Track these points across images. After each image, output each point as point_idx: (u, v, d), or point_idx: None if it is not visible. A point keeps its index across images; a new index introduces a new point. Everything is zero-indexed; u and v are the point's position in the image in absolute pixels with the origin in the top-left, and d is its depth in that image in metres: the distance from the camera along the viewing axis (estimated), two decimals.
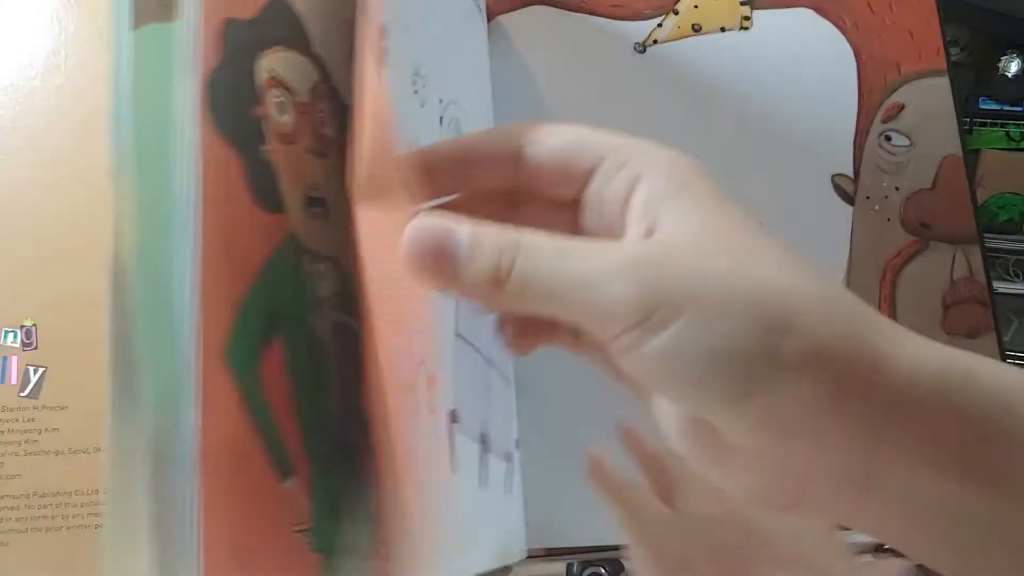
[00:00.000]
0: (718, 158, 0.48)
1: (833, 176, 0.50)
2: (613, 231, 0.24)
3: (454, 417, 0.32)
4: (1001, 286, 0.90)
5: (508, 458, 0.39)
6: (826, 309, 0.20)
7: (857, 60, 0.51)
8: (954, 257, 0.50)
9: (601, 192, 0.24)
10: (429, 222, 0.22)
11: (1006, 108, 1.07)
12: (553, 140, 0.25)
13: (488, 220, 0.22)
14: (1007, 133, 1.07)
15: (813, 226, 0.49)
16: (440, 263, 0.22)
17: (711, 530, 0.33)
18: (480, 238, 0.22)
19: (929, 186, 0.51)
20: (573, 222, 0.25)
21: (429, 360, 0.28)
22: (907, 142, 0.51)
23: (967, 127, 1.21)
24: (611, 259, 0.22)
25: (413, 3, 0.36)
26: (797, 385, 0.20)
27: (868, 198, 0.50)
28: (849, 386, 0.20)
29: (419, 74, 0.36)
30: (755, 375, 0.20)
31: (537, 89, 0.47)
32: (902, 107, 0.51)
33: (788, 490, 0.22)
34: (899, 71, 0.51)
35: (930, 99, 0.52)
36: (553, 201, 0.25)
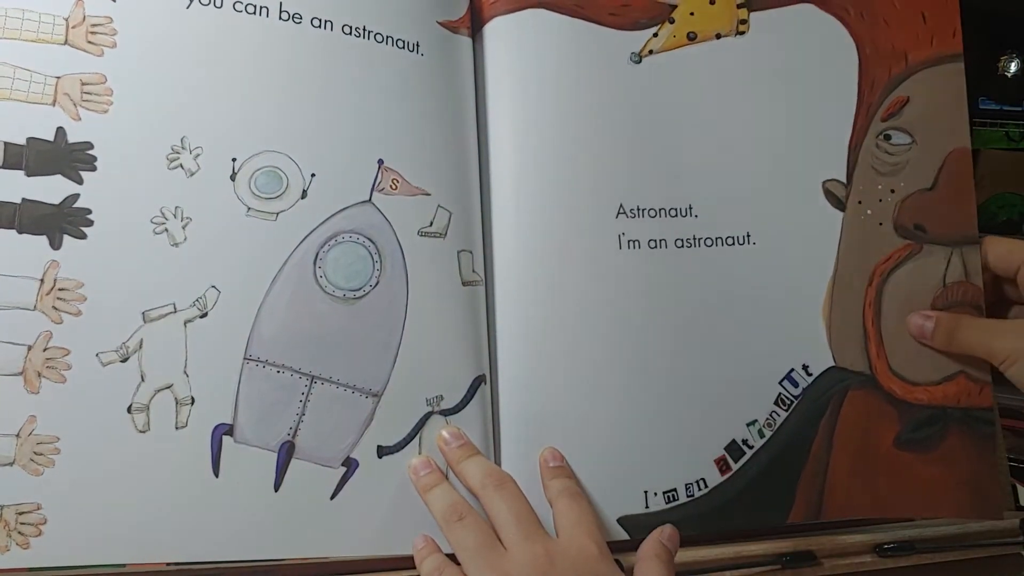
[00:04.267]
0: (711, 168, 0.48)
1: (824, 182, 0.49)
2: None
3: (228, 431, 0.40)
4: None
5: (347, 464, 0.42)
6: None
7: (860, 54, 0.50)
8: (949, 259, 0.49)
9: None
10: (915, 315, 0.48)
11: (1006, 108, 1.07)
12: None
13: None
14: (1007, 133, 1.06)
15: (801, 234, 0.49)
16: (921, 336, 0.47)
17: None
18: (939, 317, 0.47)
19: (928, 186, 0.49)
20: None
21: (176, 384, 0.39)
22: (908, 140, 0.49)
23: None
24: (1008, 326, 0.47)
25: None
26: None
27: (860, 202, 0.49)
28: None
29: (183, 146, 0.40)
30: None
31: (532, 94, 0.47)
32: (906, 101, 0.49)
33: None
34: (906, 62, 0.50)
35: (940, 88, 0.50)
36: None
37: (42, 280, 0.37)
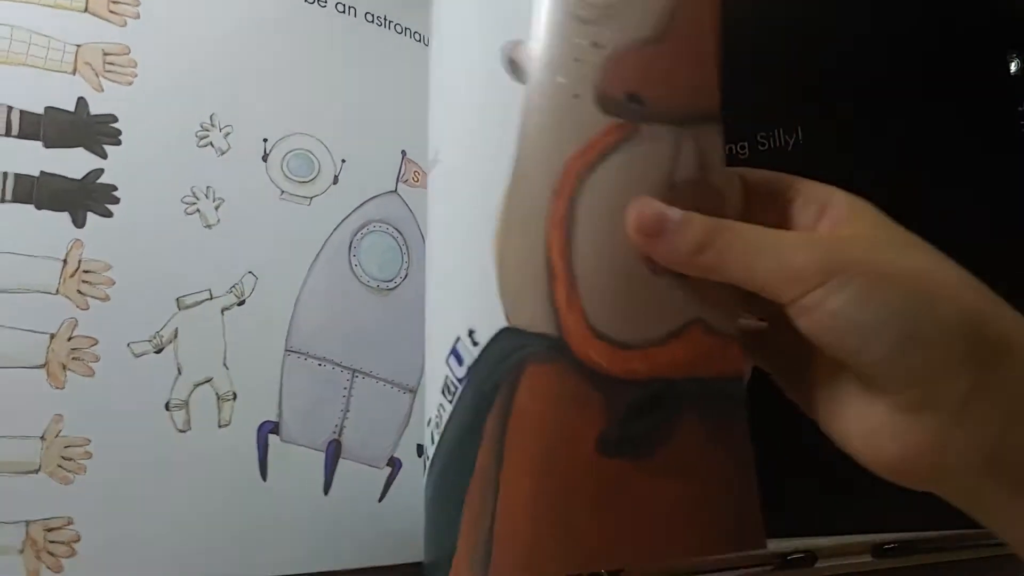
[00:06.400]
0: None
1: (503, 45, 0.31)
2: None
3: (274, 429, 0.36)
4: None
5: (392, 464, 0.39)
6: (960, 288, 0.25)
7: None
8: (679, 146, 0.29)
9: (797, 220, 0.30)
10: (650, 202, 0.28)
11: None
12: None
13: None
14: None
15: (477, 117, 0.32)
16: (654, 232, 0.27)
17: None
18: (690, 217, 0.27)
19: (650, 34, 0.29)
20: None
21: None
22: None
23: None
24: (802, 237, 0.28)
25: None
26: (947, 347, 0.24)
27: (548, 66, 0.30)
28: (982, 355, 0.24)
29: (212, 123, 0.38)
30: (910, 332, 0.24)
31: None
32: None
33: (925, 459, 0.25)
34: None
35: None
36: None
37: (65, 261, 0.33)
